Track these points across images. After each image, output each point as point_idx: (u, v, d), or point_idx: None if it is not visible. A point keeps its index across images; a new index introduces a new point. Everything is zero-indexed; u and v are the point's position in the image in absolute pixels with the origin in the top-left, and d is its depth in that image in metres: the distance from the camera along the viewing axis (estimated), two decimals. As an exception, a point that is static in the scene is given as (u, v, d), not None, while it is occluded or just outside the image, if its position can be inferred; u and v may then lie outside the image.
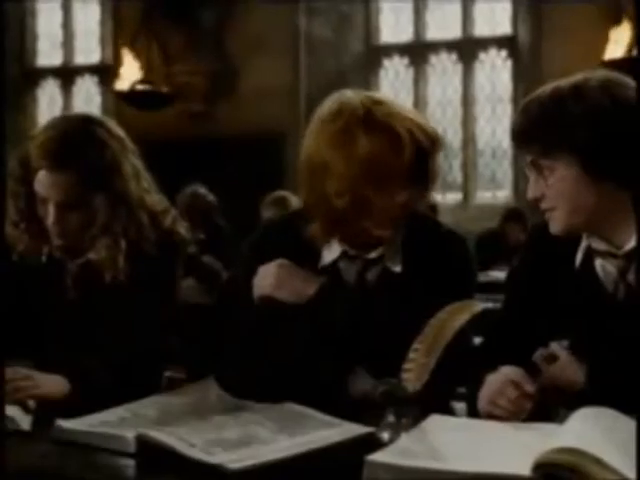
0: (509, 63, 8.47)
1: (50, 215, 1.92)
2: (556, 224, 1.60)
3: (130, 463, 1.42)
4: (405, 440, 1.28)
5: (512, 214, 6.87)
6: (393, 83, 8.98)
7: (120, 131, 2.01)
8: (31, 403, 1.72)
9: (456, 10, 8.67)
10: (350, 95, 1.85)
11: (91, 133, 1.93)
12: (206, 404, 1.66)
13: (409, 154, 1.76)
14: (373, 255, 1.87)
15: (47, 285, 2.03)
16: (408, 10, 8.85)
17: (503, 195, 8.45)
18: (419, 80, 8.83)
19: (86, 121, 1.96)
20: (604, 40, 7.39)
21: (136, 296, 1.95)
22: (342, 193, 1.76)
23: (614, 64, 7.28)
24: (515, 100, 8.41)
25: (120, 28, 9.14)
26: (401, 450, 1.21)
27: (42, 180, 1.91)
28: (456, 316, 1.42)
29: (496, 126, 8.50)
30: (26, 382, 1.75)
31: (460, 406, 1.84)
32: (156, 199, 2.06)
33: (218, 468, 1.32)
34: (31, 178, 1.93)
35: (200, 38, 8.70)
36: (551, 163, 1.57)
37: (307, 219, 1.87)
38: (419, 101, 8.72)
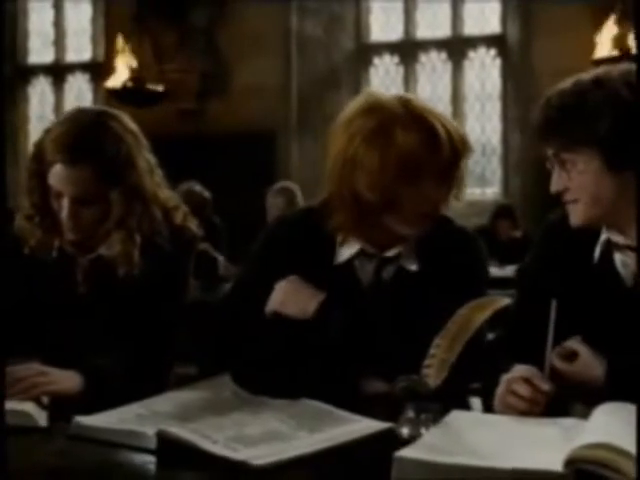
0: (498, 61, 8.48)
1: (65, 209, 1.89)
2: (577, 216, 1.59)
3: (150, 460, 1.39)
4: (430, 436, 1.26)
5: (502, 210, 6.90)
6: (383, 81, 8.97)
7: (134, 126, 1.98)
8: (45, 399, 1.70)
9: (445, 9, 8.67)
10: (380, 93, 1.84)
11: (107, 127, 1.90)
12: (222, 400, 1.64)
13: (445, 152, 1.75)
14: (390, 254, 1.86)
15: (57, 280, 1.99)
16: (398, 9, 8.84)
17: (492, 192, 8.46)
18: (409, 78, 8.82)
19: (102, 115, 1.93)
20: (593, 39, 7.39)
21: (149, 292, 1.93)
22: (373, 187, 1.75)
23: (604, 63, 7.30)
24: (504, 98, 8.42)
25: (112, 26, 9.08)
26: (429, 446, 1.20)
27: (57, 174, 1.88)
28: (478, 312, 1.41)
29: (485, 123, 8.50)
30: (41, 378, 1.72)
31: (475, 401, 1.83)
32: (168, 195, 2.03)
33: (242, 465, 1.30)
34: (46, 172, 1.90)
35: (192, 36, 8.66)
36: (573, 156, 1.56)
37: (325, 214, 1.85)
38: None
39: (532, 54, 7.93)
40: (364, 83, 8.91)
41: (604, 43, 7.26)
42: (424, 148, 1.74)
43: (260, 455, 1.33)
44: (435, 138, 1.73)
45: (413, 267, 1.85)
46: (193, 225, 2.06)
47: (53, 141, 1.88)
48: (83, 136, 1.87)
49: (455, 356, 1.42)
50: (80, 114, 1.94)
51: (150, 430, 1.42)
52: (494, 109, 8.48)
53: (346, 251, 1.88)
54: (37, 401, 1.67)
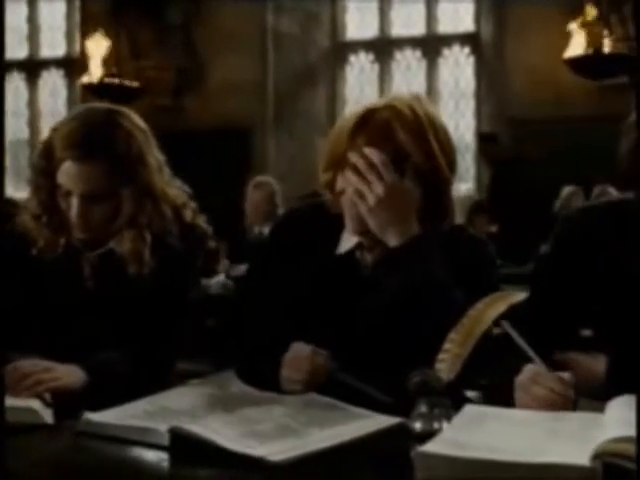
0: (472, 59, 8.51)
1: (74, 207, 1.84)
2: None
3: (163, 457, 1.36)
4: (450, 431, 1.24)
5: (478, 206, 6.94)
6: (359, 78, 8.96)
7: (143, 123, 1.94)
8: (47, 396, 1.66)
9: (420, 8, 8.68)
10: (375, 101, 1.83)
11: (118, 124, 1.86)
12: (229, 397, 1.61)
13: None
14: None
15: (64, 276, 1.94)
16: (373, 7, 8.83)
17: (466, 188, 8.47)
18: (384, 76, 8.82)
19: (112, 112, 1.89)
20: (566, 38, 7.43)
21: (159, 290, 1.89)
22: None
23: (576, 61, 7.35)
24: (478, 95, 8.45)
25: (87, 22, 8.98)
26: (452, 441, 1.18)
27: (67, 171, 1.83)
28: (493, 307, 1.39)
29: (459, 120, 8.53)
30: (46, 375, 1.68)
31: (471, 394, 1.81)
32: (177, 192, 2.00)
33: (260, 461, 1.27)
34: (54, 170, 1.86)
35: (169, 33, 8.59)
36: None
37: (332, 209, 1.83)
38: (384, 96, 8.67)
39: (505, 52, 7.96)
40: (340, 81, 8.90)
41: (576, 42, 7.30)
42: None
43: (277, 451, 1.30)
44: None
45: None
46: (202, 222, 2.02)
47: (63, 138, 1.83)
48: (94, 133, 1.82)
49: (468, 351, 1.40)
50: (90, 111, 1.90)
51: (162, 427, 1.39)
52: (468, 106, 8.51)
53: (347, 243, 1.86)
54: (41, 398, 1.63)
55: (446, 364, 1.40)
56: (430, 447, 1.15)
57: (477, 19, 8.43)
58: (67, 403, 1.61)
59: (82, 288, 1.93)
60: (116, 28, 8.58)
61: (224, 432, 1.36)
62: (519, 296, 1.40)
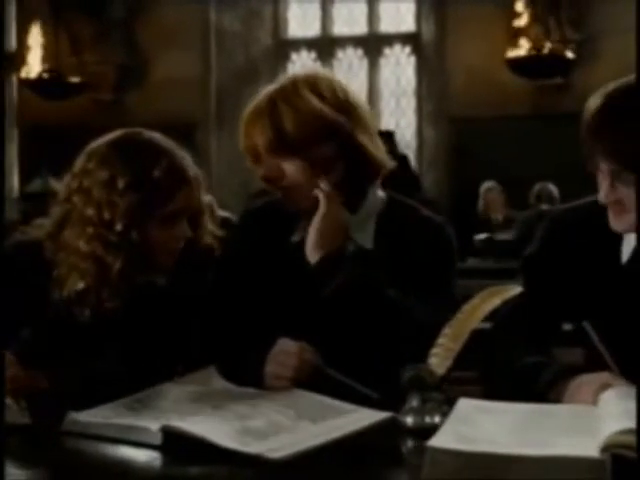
0: (413, 59, 8.57)
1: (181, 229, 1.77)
2: (624, 224, 1.55)
3: (153, 455, 1.31)
4: (452, 425, 1.22)
5: (424, 204, 6.98)
6: (301, 76, 8.92)
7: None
8: (22, 403, 1.56)
9: (362, 7, 8.71)
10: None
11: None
12: (215, 394, 1.56)
13: None
14: None
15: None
16: (315, 5, 8.83)
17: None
18: (326, 74, 8.80)
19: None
20: (505, 38, 7.53)
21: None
22: None
23: (517, 62, 7.45)
24: (418, 94, 8.51)
25: (24, 16, 8.78)
26: (458, 436, 1.16)
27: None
28: (488, 301, 1.38)
29: (400, 119, 8.58)
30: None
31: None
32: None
33: (258, 458, 1.24)
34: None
35: (110, 28, 8.46)
36: (631, 175, 1.52)
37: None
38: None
39: (446, 52, 8.03)
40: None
41: (517, 43, 7.41)
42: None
43: (274, 448, 1.27)
44: None
45: (367, 245, 1.82)
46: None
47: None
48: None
49: (461, 345, 1.39)
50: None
51: (152, 425, 1.35)
52: (409, 104, 8.57)
53: (301, 229, 1.84)
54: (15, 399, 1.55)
55: (439, 358, 1.39)
56: (438, 442, 1.13)
57: (418, 19, 8.49)
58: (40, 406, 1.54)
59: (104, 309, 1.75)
60: (55, 22, 8.41)
61: (217, 429, 1.32)
62: (514, 290, 1.40)
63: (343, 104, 1.77)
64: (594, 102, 1.61)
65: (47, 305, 1.74)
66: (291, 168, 1.75)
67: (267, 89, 1.79)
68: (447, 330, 1.39)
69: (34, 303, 1.75)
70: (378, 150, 1.81)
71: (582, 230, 1.68)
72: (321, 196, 1.76)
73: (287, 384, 1.60)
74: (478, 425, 1.24)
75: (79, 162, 1.77)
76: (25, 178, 7.78)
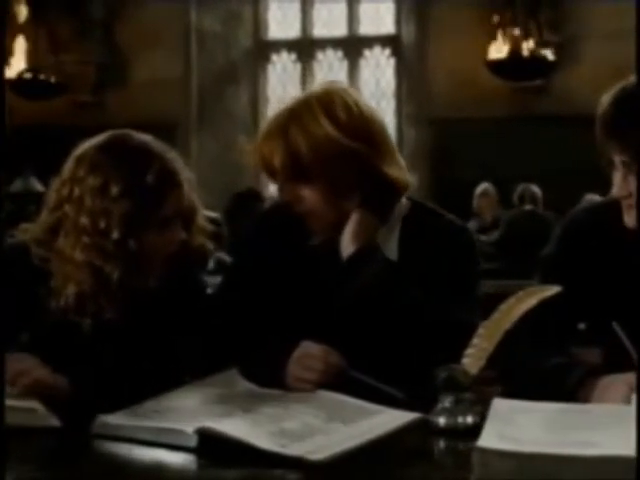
0: (392, 61, 8.58)
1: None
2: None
3: (188, 458, 1.29)
4: (493, 426, 1.21)
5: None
6: (281, 78, 8.92)
7: None
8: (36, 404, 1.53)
9: (342, 9, 8.71)
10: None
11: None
12: (242, 395, 1.54)
13: None
14: None
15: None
16: (295, 7, 8.81)
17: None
18: (306, 75, 8.80)
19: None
20: (484, 40, 7.57)
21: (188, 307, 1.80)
22: None
23: (497, 64, 7.48)
24: (398, 95, 8.52)
25: (4, 15, 8.67)
26: (503, 436, 1.15)
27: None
28: (524, 301, 1.37)
29: (380, 121, 8.57)
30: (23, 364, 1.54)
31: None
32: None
33: (299, 460, 1.22)
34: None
35: (89, 28, 8.38)
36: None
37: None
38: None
39: (426, 54, 8.05)
40: (262, 80, 8.84)
41: (497, 45, 7.44)
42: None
43: (312, 450, 1.25)
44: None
45: (392, 256, 1.80)
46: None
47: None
48: None
49: (494, 345, 1.38)
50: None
51: (187, 427, 1.32)
52: (389, 106, 8.58)
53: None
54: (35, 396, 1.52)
55: (472, 359, 1.38)
56: (487, 443, 1.12)
57: (398, 21, 8.50)
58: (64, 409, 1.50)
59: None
60: (35, 22, 8.31)
61: (253, 431, 1.30)
62: (551, 290, 1.39)
63: (359, 125, 1.72)
64: (607, 98, 1.62)
65: (42, 311, 1.70)
66: (308, 193, 1.72)
67: (281, 110, 1.75)
68: (481, 330, 1.38)
69: (27, 306, 1.71)
70: (399, 170, 1.77)
71: (599, 229, 1.68)
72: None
73: (311, 388, 1.58)
74: (518, 425, 1.23)
75: (68, 167, 1.72)
76: (7, 178, 7.68)
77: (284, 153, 1.71)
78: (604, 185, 6.08)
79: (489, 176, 7.04)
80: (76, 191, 1.68)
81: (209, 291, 1.95)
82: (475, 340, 1.38)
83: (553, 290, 1.39)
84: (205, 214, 1.88)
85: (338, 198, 1.74)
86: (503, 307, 1.38)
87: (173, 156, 1.74)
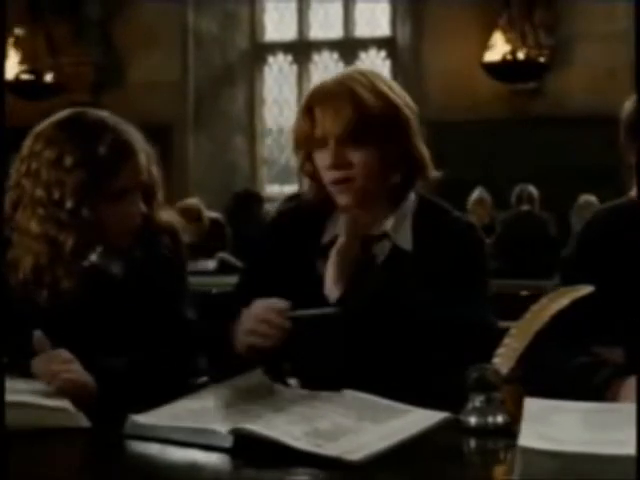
0: (388, 63, 8.57)
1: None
2: None
3: (224, 459, 1.27)
4: (532, 426, 1.20)
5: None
6: (277, 79, 8.91)
7: None
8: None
9: (338, 11, 8.70)
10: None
11: None
12: (268, 395, 1.53)
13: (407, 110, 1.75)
14: (377, 232, 1.80)
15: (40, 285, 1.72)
16: (291, 9, 8.80)
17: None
18: (302, 77, 8.79)
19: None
20: (480, 43, 7.57)
21: (157, 291, 1.78)
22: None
23: (492, 66, 7.49)
24: (393, 98, 8.50)
25: (3, 15, 8.63)
26: (543, 436, 1.14)
27: None
28: (556, 302, 1.36)
29: (375, 122, 8.56)
30: (63, 366, 1.53)
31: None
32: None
33: (337, 460, 1.21)
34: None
35: (87, 29, 8.35)
36: None
37: (315, 200, 1.79)
38: (302, 97, 8.66)
39: (421, 56, 8.04)
40: (258, 81, 8.82)
41: (494, 46, 7.45)
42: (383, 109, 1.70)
43: (349, 450, 1.24)
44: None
45: (407, 247, 1.79)
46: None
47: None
48: None
49: (524, 345, 1.37)
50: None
51: (221, 428, 1.30)
52: (384, 107, 8.55)
53: (331, 231, 1.81)
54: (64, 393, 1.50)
55: (503, 358, 1.37)
56: (529, 442, 1.10)
57: (393, 23, 8.50)
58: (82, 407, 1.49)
59: (64, 297, 1.71)
60: (33, 23, 8.27)
61: (287, 431, 1.29)
62: (583, 291, 1.38)
63: (405, 100, 1.76)
64: (630, 103, 1.63)
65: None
66: (359, 159, 1.70)
67: (334, 78, 1.73)
68: (513, 330, 1.37)
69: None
70: (427, 153, 1.79)
71: (619, 230, 1.67)
72: (343, 229, 1.74)
73: (256, 339, 1.59)
74: (555, 425, 1.22)
75: (26, 144, 1.75)
76: (5, 179, 7.65)
77: (352, 112, 1.67)
78: (598, 186, 6.12)
79: (484, 177, 7.04)
80: (33, 165, 1.71)
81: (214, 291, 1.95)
82: (507, 340, 1.38)
83: (585, 290, 1.38)
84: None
85: (385, 170, 1.72)
86: (535, 307, 1.37)
87: (129, 129, 1.77)
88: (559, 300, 1.36)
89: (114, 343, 1.69)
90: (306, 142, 1.74)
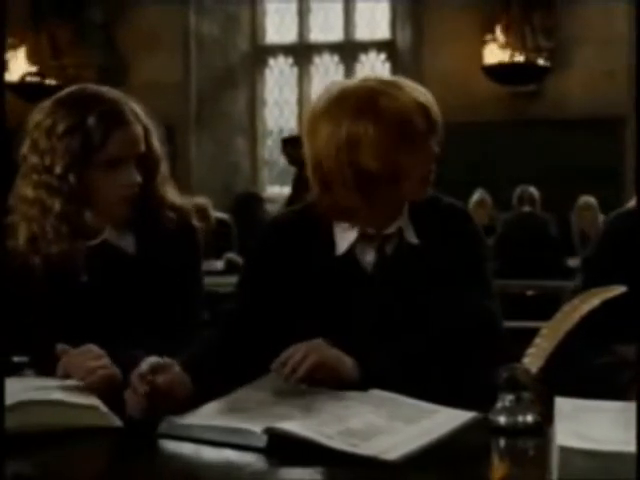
0: (388, 65, 8.57)
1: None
2: None
3: (259, 458, 1.26)
4: (567, 425, 1.20)
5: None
6: (278, 81, 8.90)
7: None
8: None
9: (338, 14, 8.69)
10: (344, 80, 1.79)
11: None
12: (295, 396, 1.51)
13: (431, 115, 1.74)
14: (390, 231, 1.78)
15: (56, 272, 1.74)
16: (292, 12, 8.79)
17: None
18: (303, 79, 8.79)
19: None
20: (479, 46, 7.57)
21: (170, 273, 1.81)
22: (377, 158, 1.66)
23: (492, 69, 7.49)
24: (393, 100, 8.50)
25: (6, 19, 8.61)
26: (579, 435, 1.14)
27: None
28: (587, 302, 1.36)
29: (375, 124, 8.56)
30: (96, 362, 1.53)
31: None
32: None
33: (373, 460, 1.20)
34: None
35: (91, 32, 8.33)
36: None
37: (319, 209, 1.76)
38: (303, 99, 8.68)
39: (421, 59, 8.04)
40: (259, 83, 8.81)
41: (493, 49, 7.45)
42: (412, 112, 1.69)
43: (384, 449, 1.23)
44: (418, 103, 1.70)
45: (414, 240, 1.79)
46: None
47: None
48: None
49: (554, 345, 1.37)
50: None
51: (255, 427, 1.30)
52: (384, 110, 8.55)
53: (345, 240, 1.79)
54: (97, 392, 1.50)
55: (533, 358, 1.37)
56: (567, 442, 1.10)
57: (393, 26, 8.49)
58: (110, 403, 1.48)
59: (77, 284, 1.75)
60: (36, 26, 8.25)
61: (321, 431, 1.28)
62: (615, 291, 1.38)
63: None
64: None
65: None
66: (410, 160, 1.70)
67: (355, 85, 1.71)
68: (544, 330, 1.37)
69: None
70: None
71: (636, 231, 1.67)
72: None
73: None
74: (588, 424, 1.22)
75: (31, 118, 1.78)
76: (8, 181, 7.63)
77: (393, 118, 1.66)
78: (598, 186, 6.13)
79: (485, 179, 7.04)
80: (34, 135, 1.74)
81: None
82: (537, 339, 1.37)
83: (617, 290, 1.38)
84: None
85: (399, 178, 1.71)
86: (566, 308, 1.37)
87: (126, 101, 1.81)
88: (590, 300, 1.36)
89: (129, 322, 1.73)
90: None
